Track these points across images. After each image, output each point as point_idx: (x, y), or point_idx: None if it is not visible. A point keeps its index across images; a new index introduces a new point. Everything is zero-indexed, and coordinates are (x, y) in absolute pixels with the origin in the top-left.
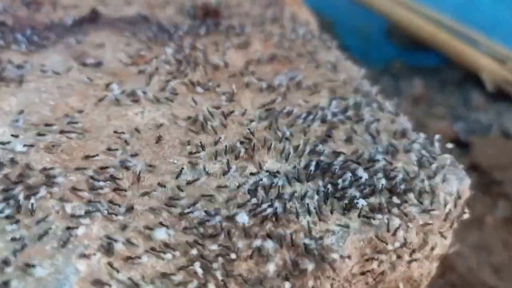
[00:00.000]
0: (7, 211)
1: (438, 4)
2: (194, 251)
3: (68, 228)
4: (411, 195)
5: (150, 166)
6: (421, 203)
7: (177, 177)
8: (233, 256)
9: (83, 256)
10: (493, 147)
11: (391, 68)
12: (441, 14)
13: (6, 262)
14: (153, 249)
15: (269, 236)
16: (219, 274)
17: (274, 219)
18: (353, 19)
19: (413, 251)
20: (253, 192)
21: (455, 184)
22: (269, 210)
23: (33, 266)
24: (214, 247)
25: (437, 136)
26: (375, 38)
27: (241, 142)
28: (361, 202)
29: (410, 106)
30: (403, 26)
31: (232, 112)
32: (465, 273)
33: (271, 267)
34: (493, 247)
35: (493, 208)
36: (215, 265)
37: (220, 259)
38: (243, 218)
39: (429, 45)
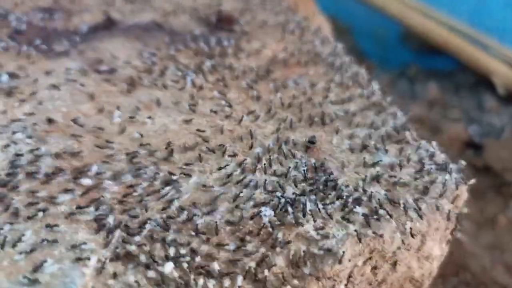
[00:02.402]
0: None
1: (452, 10)
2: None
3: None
4: (408, 197)
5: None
6: (419, 205)
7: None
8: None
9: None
10: (506, 149)
11: (407, 72)
12: (454, 19)
13: None
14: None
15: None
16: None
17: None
18: (370, 24)
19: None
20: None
21: (453, 185)
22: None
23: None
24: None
25: (434, 143)
26: (391, 43)
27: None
28: (359, 210)
29: (425, 109)
30: (418, 32)
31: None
32: (478, 272)
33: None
34: (506, 247)
35: (506, 209)
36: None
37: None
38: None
39: (443, 49)
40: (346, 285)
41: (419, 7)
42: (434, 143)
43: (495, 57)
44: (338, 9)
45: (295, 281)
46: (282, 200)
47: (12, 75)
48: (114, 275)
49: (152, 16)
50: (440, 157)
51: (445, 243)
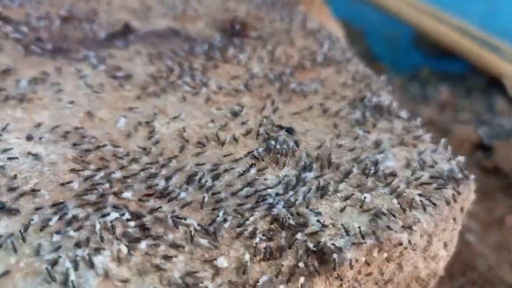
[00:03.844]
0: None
1: (463, 13)
2: None
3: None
4: (415, 197)
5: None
6: (426, 206)
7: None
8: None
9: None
10: None
11: (418, 75)
12: (466, 23)
13: None
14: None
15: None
16: None
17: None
18: (383, 28)
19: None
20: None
21: (460, 187)
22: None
23: None
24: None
25: (443, 140)
26: (403, 46)
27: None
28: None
29: (436, 112)
30: (430, 35)
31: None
32: (485, 271)
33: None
34: None
35: None
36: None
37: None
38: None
39: (454, 52)
40: (352, 284)
41: (430, 11)
42: (443, 144)
43: (506, 60)
44: (351, 14)
45: (302, 279)
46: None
47: (31, 81)
48: None
49: (168, 23)
50: (449, 158)
51: (451, 244)
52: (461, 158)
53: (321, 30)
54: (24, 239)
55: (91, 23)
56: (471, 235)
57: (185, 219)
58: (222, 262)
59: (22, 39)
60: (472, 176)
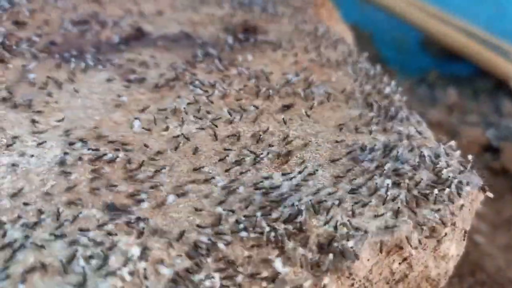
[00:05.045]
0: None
1: (470, 16)
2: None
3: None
4: (425, 197)
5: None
6: (435, 206)
7: None
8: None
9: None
10: None
11: (427, 78)
12: (473, 26)
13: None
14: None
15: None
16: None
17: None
18: (391, 31)
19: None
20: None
21: (469, 188)
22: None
23: None
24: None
25: (452, 142)
26: (411, 49)
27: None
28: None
29: (444, 114)
30: (438, 38)
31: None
32: (494, 272)
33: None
34: None
35: None
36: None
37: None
38: None
39: (462, 55)
40: (364, 284)
41: (438, 14)
42: (452, 145)
43: None
44: (360, 17)
45: (314, 279)
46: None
47: (47, 85)
48: None
49: (180, 27)
50: (458, 159)
51: (461, 244)
52: (470, 159)
53: (331, 33)
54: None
55: (104, 27)
56: (480, 236)
57: None
58: None
59: (36, 43)
60: (481, 178)
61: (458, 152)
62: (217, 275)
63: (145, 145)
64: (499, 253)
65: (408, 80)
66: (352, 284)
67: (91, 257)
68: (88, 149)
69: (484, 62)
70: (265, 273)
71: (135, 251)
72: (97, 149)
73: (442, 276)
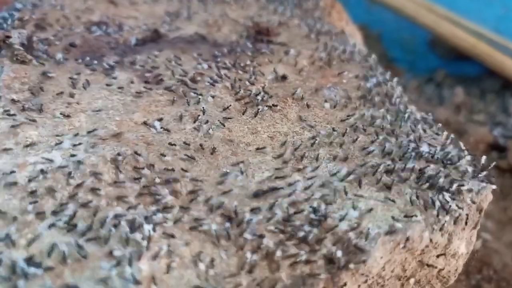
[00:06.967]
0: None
1: (478, 17)
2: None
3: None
4: (436, 197)
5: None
6: (445, 206)
7: None
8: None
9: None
10: None
11: (435, 78)
12: (481, 26)
13: None
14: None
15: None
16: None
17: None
18: (399, 32)
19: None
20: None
21: (478, 188)
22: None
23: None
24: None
25: (461, 144)
26: (419, 49)
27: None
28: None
29: (452, 113)
30: (446, 38)
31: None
32: (501, 269)
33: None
34: None
35: None
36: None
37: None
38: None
39: (470, 55)
40: (377, 280)
41: (446, 15)
42: (461, 145)
43: None
44: (369, 18)
45: (329, 275)
46: None
47: (69, 86)
48: None
49: (196, 29)
50: (466, 158)
51: (470, 242)
52: (482, 159)
53: (341, 35)
54: None
55: (122, 29)
56: (487, 233)
57: None
58: None
59: (57, 45)
60: (492, 177)
61: (467, 152)
62: None
63: (170, 144)
64: (506, 250)
65: (416, 80)
66: (366, 281)
67: None
68: (109, 149)
69: (491, 62)
70: None
71: None
72: (118, 148)
73: (452, 274)
